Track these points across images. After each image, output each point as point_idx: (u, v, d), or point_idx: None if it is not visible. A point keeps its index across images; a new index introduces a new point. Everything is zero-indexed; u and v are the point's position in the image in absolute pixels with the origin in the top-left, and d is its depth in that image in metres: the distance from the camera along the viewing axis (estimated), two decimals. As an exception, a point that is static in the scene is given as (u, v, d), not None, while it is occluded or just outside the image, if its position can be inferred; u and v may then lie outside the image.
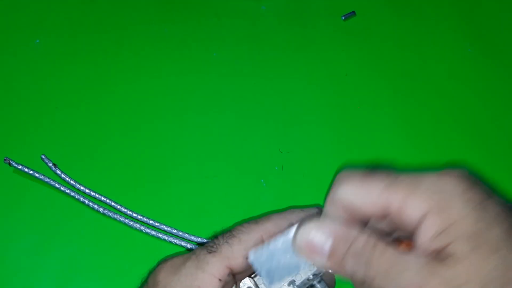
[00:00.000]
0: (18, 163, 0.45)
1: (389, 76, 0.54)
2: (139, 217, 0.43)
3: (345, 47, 0.55)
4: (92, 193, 0.44)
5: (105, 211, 0.43)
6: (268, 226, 0.31)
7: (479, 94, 0.53)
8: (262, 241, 0.31)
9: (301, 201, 0.45)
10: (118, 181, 0.46)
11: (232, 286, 0.33)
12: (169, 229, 0.43)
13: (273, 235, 0.31)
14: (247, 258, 0.30)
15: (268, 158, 0.48)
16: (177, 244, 0.42)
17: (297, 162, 0.48)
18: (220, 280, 0.30)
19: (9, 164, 0.45)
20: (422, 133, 0.50)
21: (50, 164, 0.45)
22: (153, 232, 0.43)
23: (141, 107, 0.50)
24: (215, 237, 0.32)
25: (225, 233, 0.32)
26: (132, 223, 0.43)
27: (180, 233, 0.43)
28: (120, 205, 0.44)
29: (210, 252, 0.30)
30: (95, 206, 0.43)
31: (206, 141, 0.49)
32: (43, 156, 0.45)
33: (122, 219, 0.43)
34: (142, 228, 0.43)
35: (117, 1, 0.57)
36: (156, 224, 0.43)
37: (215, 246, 0.31)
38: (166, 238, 0.43)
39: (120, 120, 0.49)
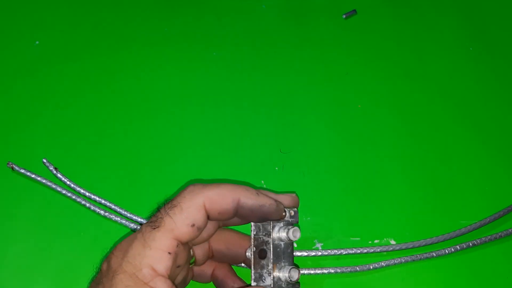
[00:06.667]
0: (20, 167, 0.45)
1: (389, 76, 0.53)
2: (140, 219, 0.44)
3: (345, 46, 0.55)
4: (93, 196, 0.44)
5: (106, 214, 0.44)
6: (213, 193, 0.31)
7: (479, 94, 0.52)
8: (203, 208, 0.31)
9: (301, 201, 0.45)
10: (118, 183, 0.46)
11: (188, 254, 0.33)
12: (169, 230, 0.43)
13: (215, 203, 0.31)
14: (192, 225, 0.30)
15: (268, 158, 0.48)
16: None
17: (297, 162, 0.48)
18: (169, 253, 0.29)
19: (12, 168, 0.45)
20: (422, 133, 0.50)
21: (51, 168, 0.45)
22: (153, 234, 0.43)
23: (141, 107, 0.51)
24: (158, 209, 0.31)
25: (167, 203, 0.31)
26: (132, 225, 0.43)
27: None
28: (120, 207, 0.44)
29: (154, 228, 0.30)
30: (96, 209, 0.44)
31: (206, 141, 0.49)
32: (44, 160, 0.46)
33: (123, 221, 0.44)
34: (143, 230, 0.43)
35: (117, 1, 0.57)
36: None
37: (158, 220, 0.30)
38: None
39: (119, 121, 0.50)
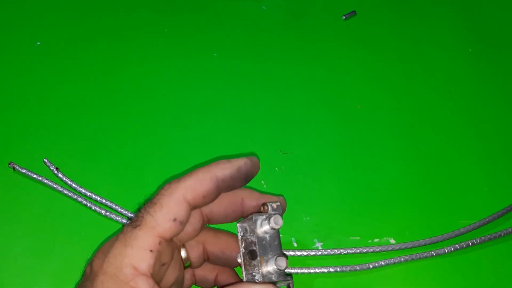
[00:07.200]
0: (22, 167, 0.45)
1: (389, 76, 0.54)
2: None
3: (345, 47, 0.55)
4: (94, 196, 0.45)
5: (107, 213, 0.44)
6: (190, 183, 0.31)
7: (479, 94, 0.53)
8: (184, 201, 0.31)
9: (302, 201, 0.46)
10: (119, 183, 0.46)
11: (173, 251, 0.32)
12: (170, 230, 0.44)
13: (196, 189, 0.31)
14: (174, 220, 0.30)
15: (268, 159, 0.48)
16: (178, 245, 0.43)
17: (297, 162, 0.48)
18: (151, 251, 0.29)
19: (14, 168, 0.45)
20: (422, 133, 0.50)
21: (52, 168, 0.46)
22: (154, 234, 0.43)
23: (141, 108, 0.51)
24: (139, 209, 0.31)
25: (147, 203, 0.31)
26: (133, 225, 0.44)
27: (181, 234, 0.43)
28: (121, 207, 0.44)
29: (135, 227, 0.30)
30: (97, 209, 0.44)
31: (206, 142, 0.49)
32: (45, 160, 0.46)
33: (124, 220, 0.44)
34: (144, 229, 0.43)
35: (117, 2, 0.57)
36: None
37: (139, 220, 0.30)
38: (167, 239, 0.43)
39: (120, 122, 0.50)
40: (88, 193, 0.45)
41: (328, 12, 0.57)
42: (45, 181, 0.45)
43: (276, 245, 0.33)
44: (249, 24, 0.57)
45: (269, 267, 0.32)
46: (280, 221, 0.32)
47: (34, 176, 0.45)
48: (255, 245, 0.32)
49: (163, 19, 0.57)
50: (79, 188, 0.45)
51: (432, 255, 0.42)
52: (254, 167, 0.33)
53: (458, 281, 0.42)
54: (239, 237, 0.32)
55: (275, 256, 0.32)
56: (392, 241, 0.44)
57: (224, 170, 0.32)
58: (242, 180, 0.33)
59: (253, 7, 0.58)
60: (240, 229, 0.33)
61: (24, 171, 0.45)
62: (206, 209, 0.34)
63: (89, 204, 0.44)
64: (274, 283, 0.31)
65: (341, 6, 0.57)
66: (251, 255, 0.32)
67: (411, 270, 0.43)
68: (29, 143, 0.48)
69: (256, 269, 0.32)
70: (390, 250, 0.43)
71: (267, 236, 0.33)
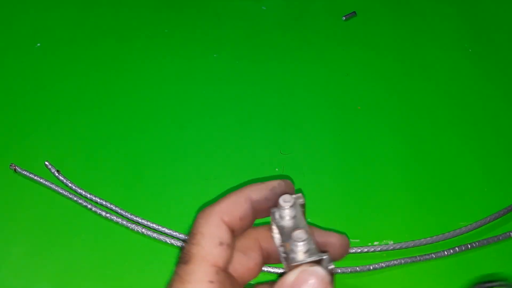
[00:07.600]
0: (23, 169, 0.46)
1: (389, 76, 0.54)
2: (140, 220, 0.44)
3: (345, 47, 0.55)
4: (94, 198, 0.45)
5: (107, 215, 0.44)
6: (224, 205, 0.29)
7: (479, 94, 0.53)
8: (223, 223, 0.29)
9: (301, 202, 0.46)
10: (119, 185, 0.46)
11: (232, 281, 0.30)
12: (170, 231, 0.44)
13: (232, 211, 0.29)
14: (221, 244, 0.28)
15: (269, 159, 0.49)
16: (178, 246, 0.43)
17: (297, 163, 0.48)
18: (212, 282, 0.27)
19: (15, 170, 0.46)
20: (422, 133, 0.50)
21: (53, 170, 0.46)
22: (154, 235, 0.43)
23: (142, 109, 0.51)
24: (182, 248, 0.30)
25: (188, 237, 0.29)
26: (133, 225, 0.44)
27: (182, 236, 0.44)
28: (121, 208, 0.44)
29: (185, 263, 0.28)
30: (97, 210, 0.44)
31: (206, 142, 0.49)
32: (47, 163, 0.46)
33: (124, 222, 0.44)
34: (144, 230, 0.43)
35: (117, 3, 0.57)
36: (157, 226, 0.44)
37: (186, 255, 0.28)
38: (168, 240, 0.43)
39: (121, 123, 0.50)
40: (89, 195, 0.45)
41: (328, 12, 0.57)
42: (46, 183, 0.45)
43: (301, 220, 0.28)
44: (249, 24, 0.57)
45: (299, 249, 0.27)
46: (288, 198, 0.28)
47: (35, 178, 0.45)
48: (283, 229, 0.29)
49: (163, 19, 0.57)
50: (79, 190, 0.45)
51: (432, 257, 0.42)
52: (288, 189, 0.31)
53: (457, 283, 0.42)
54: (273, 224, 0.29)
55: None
56: (391, 243, 0.44)
57: (257, 191, 0.30)
58: (274, 202, 0.30)
59: (253, 7, 0.58)
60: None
61: (25, 172, 0.45)
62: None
63: (89, 206, 0.44)
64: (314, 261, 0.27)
65: (341, 7, 0.57)
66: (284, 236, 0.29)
67: (411, 272, 0.43)
68: (30, 145, 0.48)
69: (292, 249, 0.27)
70: (391, 250, 0.43)
71: (289, 222, 0.29)
